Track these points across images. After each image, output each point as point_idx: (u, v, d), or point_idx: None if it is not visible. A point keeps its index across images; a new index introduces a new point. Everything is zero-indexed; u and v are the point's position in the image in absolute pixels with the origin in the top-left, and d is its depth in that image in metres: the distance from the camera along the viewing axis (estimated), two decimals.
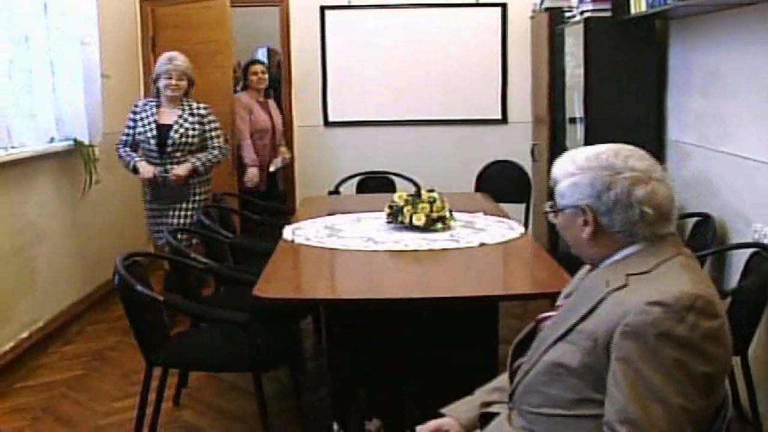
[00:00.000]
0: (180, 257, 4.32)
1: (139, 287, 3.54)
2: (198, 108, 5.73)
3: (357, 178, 6.79)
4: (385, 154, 7.39)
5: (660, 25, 5.36)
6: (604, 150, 2.14)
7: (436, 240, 4.15)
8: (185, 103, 5.71)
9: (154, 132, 5.61)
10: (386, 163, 7.01)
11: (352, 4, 7.42)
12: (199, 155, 5.64)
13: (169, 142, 5.58)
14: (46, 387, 4.72)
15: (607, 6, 5.24)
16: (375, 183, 6.71)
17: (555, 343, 2.09)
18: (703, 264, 4.38)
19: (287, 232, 4.45)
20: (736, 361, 3.70)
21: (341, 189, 6.69)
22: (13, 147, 5.21)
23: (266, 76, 6.82)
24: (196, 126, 5.66)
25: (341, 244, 4.16)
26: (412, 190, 4.80)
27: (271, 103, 7.06)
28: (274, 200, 6.64)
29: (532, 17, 7.16)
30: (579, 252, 2.24)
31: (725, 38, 4.41)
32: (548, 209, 2.25)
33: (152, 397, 3.78)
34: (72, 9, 5.93)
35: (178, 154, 5.60)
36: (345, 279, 3.93)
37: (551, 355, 2.09)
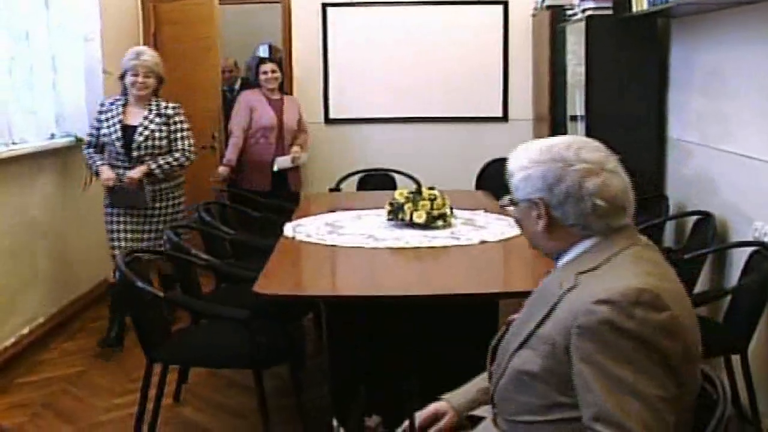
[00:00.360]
0: (181, 253, 4.33)
1: (139, 283, 3.55)
2: (166, 108, 5.30)
3: (358, 176, 6.81)
4: (386, 151, 7.39)
5: (662, 24, 5.36)
6: (556, 143, 2.13)
7: (437, 237, 4.15)
8: (153, 103, 5.27)
9: (119, 134, 5.15)
10: (387, 160, 7.02)
11: (353, 1, 7.42)
12: (159, 158, 5.23)
13: (134, 145, 5.15)
14: (47, 383, 4.72)
15: (609, 4, 5.24)
16: (376, 180, 6.72)
17: (517, 350, 2.08)
18: (703, 262, 4.38)
19: (288, 229, 4.45)
20: (736, 359, 3.71)
21: (342, 186, 6.71)
22: (14, 143, 5.22)
23: (277, 74, 6.64)
24: (163, 127, 5.24)
25: (342, 241, 4.16)
26: (413, 187, 4.80)
27: (288, 100, 6.87)
28: (277, 199, 6.46)
29: (533, 15, 7.15)
30: (537, 246, 2.22)
31: (727, 37, 4.42)
32: (506, 203, 2.25)
33: (152, 393, 3.78)
34: (73, 5, 5.94)
35: (147, 158, 5.19)
36: (346, 276, 3.93)
37: (515, 362, 2.08)
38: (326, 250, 4.06)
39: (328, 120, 7.59)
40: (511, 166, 2.17)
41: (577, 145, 2.10)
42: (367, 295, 3.38)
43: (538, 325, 2.02)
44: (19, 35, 5.48)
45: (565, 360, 1.93)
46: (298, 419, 3.98)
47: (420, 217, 4.30)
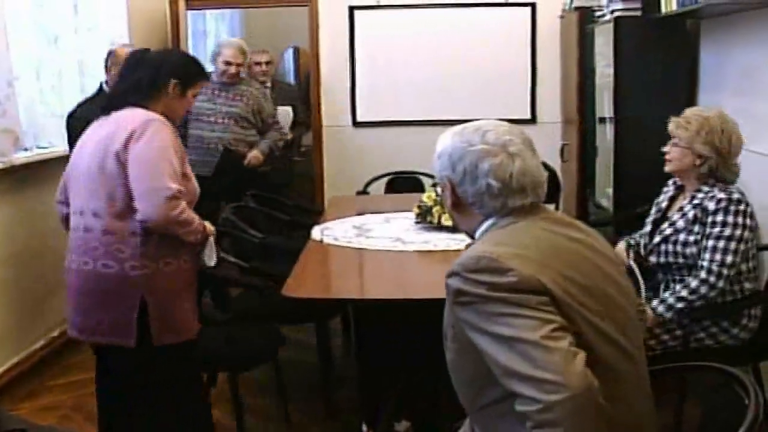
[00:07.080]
0: None
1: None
2: None
3: (386, 178, 6.79)
4: (413, 153, 7.34)
5: (691, 24, 5.32)
6: (470, 125, 2.20)
7: (465, 240, 4.13)
8: None
9: None
10: (415, 163, 6.98)
11: (380, 4, 7.41)
12: None
13: None
14: (77, 385, 4.75)
15: (638, 5, 5.21)
16: (404, 183, 6.71)
17: (444, 342, 2.15)
18: None
19: (316, 232, 4.45)
20: (766, 366, 3.66)
21: (370, 189, 6.70)
22: (41, 147, 5.24)
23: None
24: None
25: (370, 244, 4.16)
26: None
27: None
28: None
29: (561, 17, 7.12)
30: (455, 224, 2.33)
31: (758, 37, 4.37)
32: (433, 182, 2.35)
33: None
34: (101, 10, 5.97)
35: None
36: (374, 279, 3.92)
37: (447, 356, 2.15)
38: (354, 253, 4.05)
39: (355, 123, 7.58)
40: (436, 147, 2.29)
41: (486, 128, 2.17)
42: (396, 299, 3.38)
43: (446, 318, 2.10)
44: (49, 39, 5.50)
45: (464, 339, 1.98)
46: (325, 421, 3.99)
47: (448, 219, 4.28)
